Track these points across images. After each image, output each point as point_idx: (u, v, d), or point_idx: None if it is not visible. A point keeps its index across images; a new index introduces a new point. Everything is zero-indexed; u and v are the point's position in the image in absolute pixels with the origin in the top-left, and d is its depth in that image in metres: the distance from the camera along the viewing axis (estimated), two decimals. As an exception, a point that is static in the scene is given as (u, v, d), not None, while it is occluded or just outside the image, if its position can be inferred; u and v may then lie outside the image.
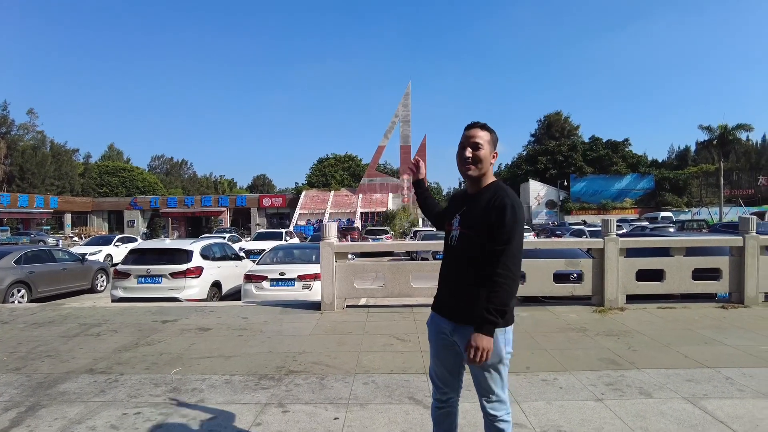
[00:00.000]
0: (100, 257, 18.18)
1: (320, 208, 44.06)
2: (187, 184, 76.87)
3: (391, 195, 44.35)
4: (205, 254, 9.13)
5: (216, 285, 9.08)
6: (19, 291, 9.42)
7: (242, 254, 12.48)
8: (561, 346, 4.80)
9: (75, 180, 56.82)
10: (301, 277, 8.05)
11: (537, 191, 50.53)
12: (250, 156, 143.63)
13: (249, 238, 26.90)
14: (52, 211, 44.27)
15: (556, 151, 51.93)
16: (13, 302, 9.02)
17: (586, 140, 54.28)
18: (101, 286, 12.12)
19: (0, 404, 3.51)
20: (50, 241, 28.55)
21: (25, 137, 54.79)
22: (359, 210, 42.47)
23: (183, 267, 8.40)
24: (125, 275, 8.44)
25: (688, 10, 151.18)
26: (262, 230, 28.25)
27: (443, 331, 2.13)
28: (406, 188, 43.56)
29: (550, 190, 50.61)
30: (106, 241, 21.51)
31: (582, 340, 5.06)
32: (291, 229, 32.10)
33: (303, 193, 47.87)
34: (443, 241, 2.24)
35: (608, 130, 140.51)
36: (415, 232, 24.14)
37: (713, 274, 6.76)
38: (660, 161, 57.71)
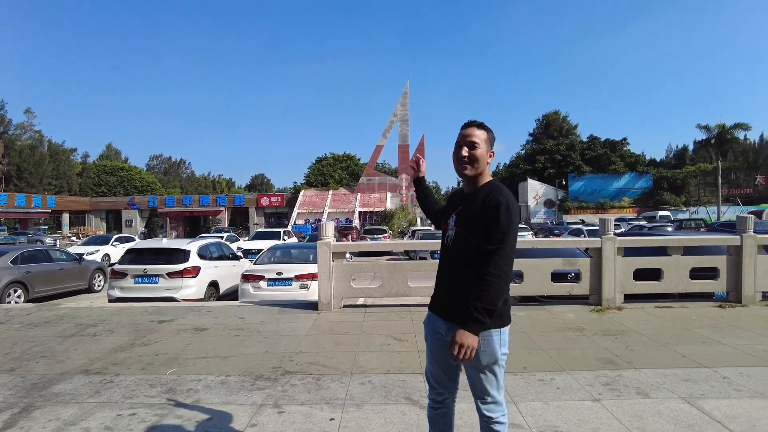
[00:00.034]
0: (98, 257, 18.13)
1: (319, 207, 44.02)
2: (186, 183, 76.73)
3: (389, 194, 44.31)
4: (203, 254, 9.11)
5: (213, 285, 9.06)
6: (15, 291, 9.37)
7: (240, 254, 12.46)
8: (558, 346, 4.79)
9: (73, 179, 56.69)
10: (298, 277, 8.04)
11: (535, 190, 50.58)
12: (248, 155, 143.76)
13: (247, 238, 26.82)
14: (49, 210, 44.14)
15: (555, 151, 52.00)
16: (9, 302, 8.98)
17: (585, 139, 54.38)
18: (98, 285, 12.07)
19: (-7, 405, 3.48)
20: (48, 240, 28.48)
21: (23, 137, 54.70)
22: (358, 209, 42.43)
23: (180, 267, 8.38)
24: (122, 275, 8.41)
25: (687, 10, 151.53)
26: (260, 230, 28.20)
27: (439, 331, 2.11)
28: (404, 187, 43.52)
29: (549, 189, 50.67)
30: (103, 240, 21.45)
31: (579, 339, 5.05)
32: (289, 228, 32.06)
33: (301, 193, 47.81)
34: (440, 241, 2.22)
35: (606, 129, 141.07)
36: (414, 232, 24.11)
37: (711, 273, 6.76)
38: (658, 160, 57.84)
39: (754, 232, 6.66)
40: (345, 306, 6.88)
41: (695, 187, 48.92)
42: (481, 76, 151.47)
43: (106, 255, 19.24)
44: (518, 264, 6.59)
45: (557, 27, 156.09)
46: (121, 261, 8.92)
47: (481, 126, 2.10)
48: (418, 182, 2.58)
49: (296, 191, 50.31)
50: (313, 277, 7.71)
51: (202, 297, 8.51)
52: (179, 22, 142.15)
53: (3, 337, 5.59)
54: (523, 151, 60.67)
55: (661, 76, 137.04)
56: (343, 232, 26.92)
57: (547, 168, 51.72)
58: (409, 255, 17.74)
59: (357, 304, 7.35)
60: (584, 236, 17.03)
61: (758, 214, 25.44)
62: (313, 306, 6.84)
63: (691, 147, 61.65)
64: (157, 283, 8.32)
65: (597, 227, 7.10)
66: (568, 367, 4.13)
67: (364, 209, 42.53)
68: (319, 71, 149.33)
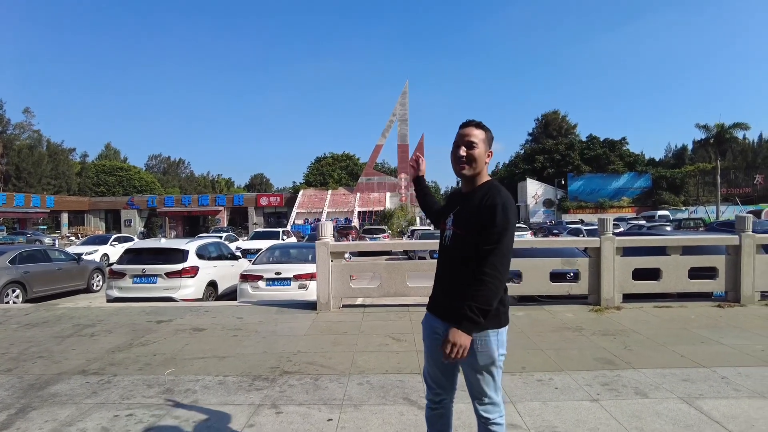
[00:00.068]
0: (97, 257, 18.11)
1: (318, 207, 44.00)
2: (185, 183, 76.61)
3: (388, 194, 44.29)
4: (201, 254, 9.09)
5: (212, 285, 9.04)
6: (13, 291, 9.35)
7: (239, 254, 12.44)
8: (557, 346, 4.79)
9: (72, 179, 56.56)
10: (297, 277, 8.02)
11: (534, 190, 50.61)
12: (247, 155, 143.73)
13: (246, 238, 26.80)
14: (48, 210, 44.05)
15: (554, 150, 52.03)
16: (7, 302, 8.96)
17: (584, 139, 54.44)
18: (97, 285, 12.05)
19: (-10, 406, 3.47)
20: (46, 240, 28.43)
21: (22, 136, 54.55)
22: (357, 209, 42.40)
23: (178, 267, 8.36)
24: (120, 275, 8.40)
25: (686, 10, 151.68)
26: (259, 229, 28.18)
27: (437, 331, 2.10)
28: (403, 187, 43.52)
29: (548, 188, 50.70)
30: (102, 240, 21.43)
31: (578, 339, 5.05)
32: (288, 228, 32.04)
33: (300, 192, 47.80)
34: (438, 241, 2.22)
35: (605, 129, 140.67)
36: (413, 231, 24.10)
37: (709, 273, 6.76)
38: (657, 160, 57.96)
39: (752, 232, 6.67)
40: (343, 306, 6.87)
41: (694, 186, 48.98)
42: (481, 76, 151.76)
43: (105, 255, 19.22)
44: (517, 264, 6.59)
45: (557, 27, 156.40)
46: (120, 261, 8.90)
47: (479, 125, 2.09)
48: (418, 181, 2.58)
49: (295, 191, 50.31)
50: (311, 277, 7.70)
51: (201, 297, 8.50)
52: (179, 22, 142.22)
53: (0, 337, 5.58)
54: (522, 151, 60.74)
55: (660, 76, 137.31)
56: (342, 231, 26.91)
57: (546, 167, 51.75)
58: (408, 255, 17.73)
59: (356, 303, 7.34)
60: (583, 236, 17.04)
61: (757, 214, 25.50)
62: (311, 306, 6.83)
63: (690, 146, 61.72)
64: (155, 283, 8.30)
65: (596, 227, 7.10)
66: (566, 367, 4.12)
67: (364, 209, 42.50)
68: (318, 71, 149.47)
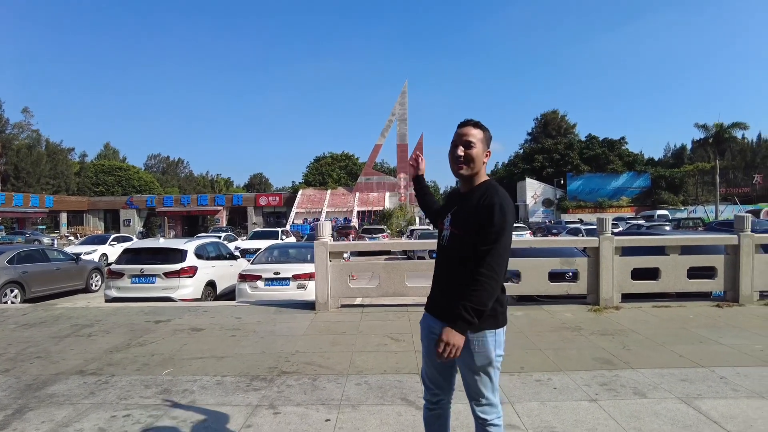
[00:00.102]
0: (95, 257, 18.09)
1: (317, 206, 43.99)
2: (184, 183, 76.51)
3: (387, 194, 44.29)
4: (200, 254, 9.08)
5: (210, 284, 9.03)
6: (12, 291, 9.33)
7: (237, 253, 12.43)
8: (555, 346, 4.78)
9: (71, 179, 56.45)
10: (295, 277, 8.01)
11: (534, 190, 50.61)
12: (246, 155, 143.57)
13: (245, 237, 26.77)
14: (47, 210, 44.01)
15: (553, 150, 52.02)
16: (5, 302, 8.94)
17: (583, 139, 54.41)
18: (96, 285, 12.03)
19: (-13, 407, 3.45)
20: (45, 240, 28.38)
21: (20, 136, 54.43)
22: (356, 209, 42.41)
23: (177, 266, 8.34)
24: (119, 275, 8.38)
25: (686, 10, 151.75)
26: (258, 229, 28.16)
27: (434, 331, 2.09)
28: (403, 187, 43.52)
29: (547, 188, 50.70)
30: (101, 240, 21.42)
31: (577, 339, 5.04)
32: (287, 228, 32.03)
33: (300, 192, 47.79)
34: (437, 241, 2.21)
35: (605, 128, 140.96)
36: (412, 231, 24.10)
37: (708, 272, 6.76)
38: (656, 159, 57.93)
39: (751, 231, 6.67)
40: (342, 306, 6.87)
41: (693, 186, 49.01)
42: (481, 76, 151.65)
43: (104, 255, 19.20)
44: (515, 263, 6.59)
45: (557, 27, 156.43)
46: (118, 261, 8.88)
47: (477, 125, 2.07)
48: (418, 180, 2.57)
49: (294, 191, 50.27)
50: (310, 276, 7.68)
51: (199, 297, 8.48)
52: (179, 21, 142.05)
53: (-2, 337, 5.56)
54: (521, 151, 60.72)
55: (660, 76, 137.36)
56: (341, 231, 26.92)
57: (545, 167, 51.75)
58: (407, 254, 17.73)
59: (354, 303, 7.34)
60: (582, 235, 17.03)
61: (756, 213, 25.53)
62: (310, 306, 6.82)
63: (689, 146, 61.71)
64: (154, 282, 8.28)
65: (595, 226, 7.09)
66: (565, 367, 4.12)
67: (363, 209, 42.51)
68: (318, 70, 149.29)
